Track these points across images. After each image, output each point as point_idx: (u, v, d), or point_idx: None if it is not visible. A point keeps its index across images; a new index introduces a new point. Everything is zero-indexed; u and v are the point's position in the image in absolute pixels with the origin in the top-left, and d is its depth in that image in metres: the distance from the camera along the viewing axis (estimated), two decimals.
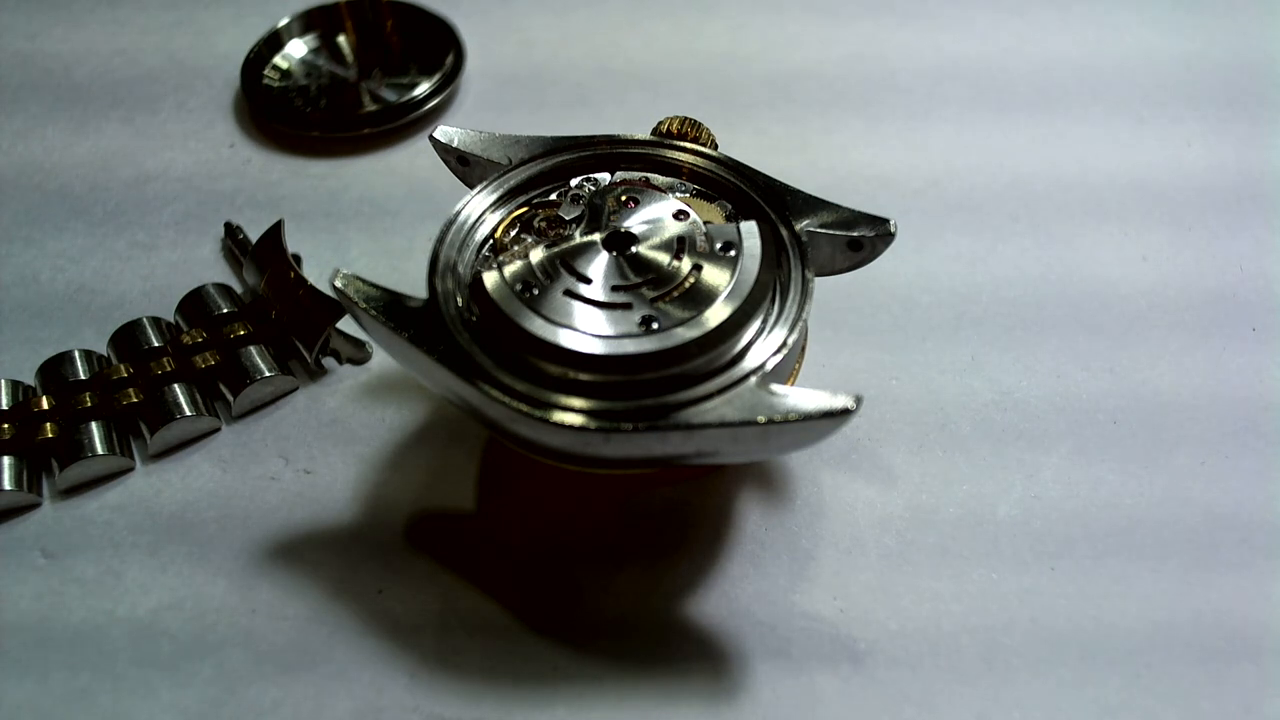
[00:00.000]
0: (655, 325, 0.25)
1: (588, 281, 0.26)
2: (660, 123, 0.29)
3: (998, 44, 0.42)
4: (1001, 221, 0.36)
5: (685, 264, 0.26)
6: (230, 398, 0.31)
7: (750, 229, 0.26)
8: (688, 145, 0.29)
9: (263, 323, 0.32)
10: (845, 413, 0.23)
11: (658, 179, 0.28)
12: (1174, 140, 0.38)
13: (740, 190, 0.28)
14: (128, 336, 0.32)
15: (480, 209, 0.28)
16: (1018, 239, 0.35)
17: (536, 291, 0.25)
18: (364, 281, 0.26)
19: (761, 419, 0.23)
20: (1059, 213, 0.36)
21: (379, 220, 0.36)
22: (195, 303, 0.33)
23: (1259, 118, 0.39)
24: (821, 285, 0.28)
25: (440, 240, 0.27)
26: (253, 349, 0.31)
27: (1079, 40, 0.42)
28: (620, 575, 0.28)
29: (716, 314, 0.25)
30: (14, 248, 0.36)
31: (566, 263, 0.26)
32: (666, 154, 0.29)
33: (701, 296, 0.25)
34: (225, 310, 0.32)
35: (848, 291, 0.32)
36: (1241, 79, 0.40)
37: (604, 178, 0.28)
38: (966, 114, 0.39)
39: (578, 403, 0.24)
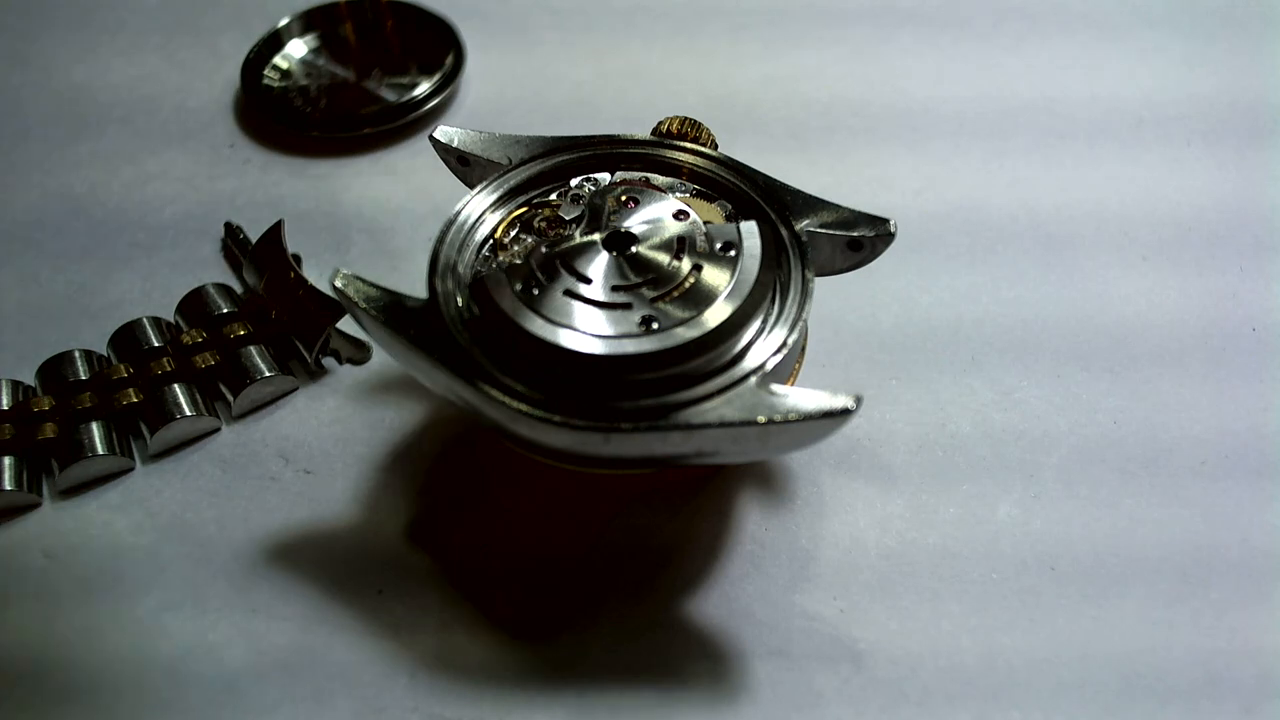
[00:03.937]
0: (655, 325, 0.25)
1: (588, 281, 0.26)
2: (660, 123, 0.29)
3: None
4: (1002, 221, 0.36)
5: (685, 264, 0.26)
6: (230, 398, 0.31)
7: (750, 229, 0.26)
8: (688, 145, 0.29)
9: (263, 323, 0.32)
10: (845, 413, 0.23)
11: (658, 179, 0.28)
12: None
13: (740, 190, 0.28)
14: (128, 336, 0.32)
15: (480, 209, 0.28)
16: (1017, 238, 0.35)
17: (536, 291, 0.25)
18: (364, 281, 0.26)
19: (761, 419, 0.23)
20: (1058, 209, 0.36)
21: (379, 220, 0.36)
22: (195, 303, 0.33)
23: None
24: (821, 285, 0.28)
25: (440, 240, 0.27)
26: (253, 349, 0.31)
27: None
28: (620, 575, 0.28)
29: (716, 314, 0.25)
30: (14, 248, 0.36)
31: (566, 263, 0.26)
32: (666, 154, 0.29)
33: (701, 296, 0.25)
34: (225, 310, 0.32)
35: (848, 291, 0.32)
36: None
37: (604, 178, 0.28)
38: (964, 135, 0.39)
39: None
